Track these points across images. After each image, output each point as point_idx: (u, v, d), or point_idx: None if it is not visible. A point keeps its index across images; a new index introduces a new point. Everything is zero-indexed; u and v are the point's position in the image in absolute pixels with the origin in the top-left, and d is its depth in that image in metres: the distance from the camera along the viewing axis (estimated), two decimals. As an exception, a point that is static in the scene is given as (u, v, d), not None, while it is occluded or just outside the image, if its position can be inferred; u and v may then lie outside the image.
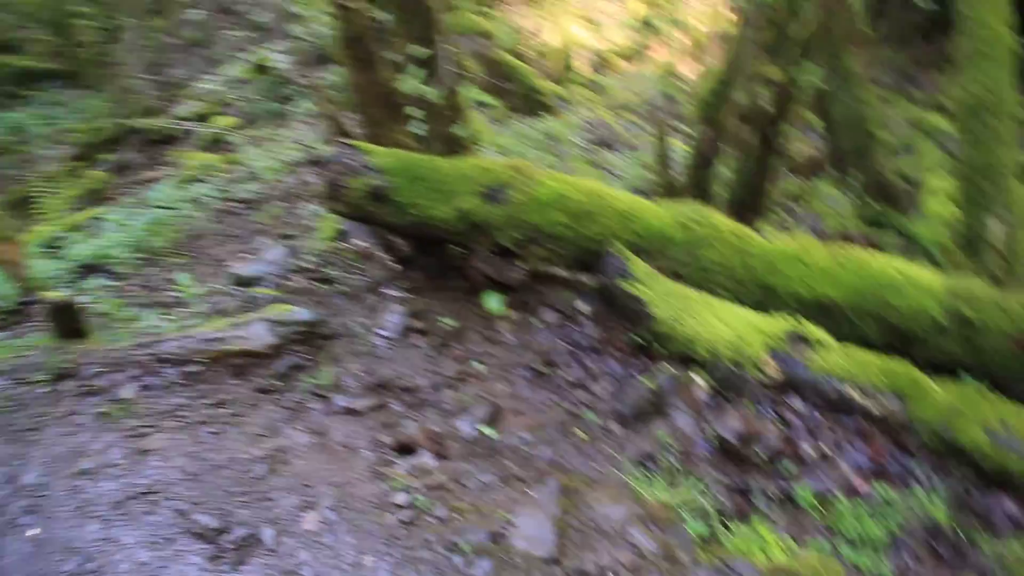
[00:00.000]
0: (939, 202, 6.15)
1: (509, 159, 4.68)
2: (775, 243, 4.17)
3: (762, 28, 5.20)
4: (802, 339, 3.81)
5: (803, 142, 7.01)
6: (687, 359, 3.91)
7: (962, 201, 4.60)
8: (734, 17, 5.72)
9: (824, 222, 6.17)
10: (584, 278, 4.46)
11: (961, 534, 3.28)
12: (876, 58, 7.37)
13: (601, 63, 10.40)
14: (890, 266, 4.10)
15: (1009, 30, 4.55)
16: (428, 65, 4.70)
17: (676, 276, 4.14)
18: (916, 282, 4.03)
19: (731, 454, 3.53)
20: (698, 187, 5.41)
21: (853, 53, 6.35)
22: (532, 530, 3.28)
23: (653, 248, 4.18)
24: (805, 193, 6.62)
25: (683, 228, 4.19)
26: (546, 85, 8.94)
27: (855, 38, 6.40)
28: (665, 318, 3.94)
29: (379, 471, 3.65)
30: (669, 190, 5.44)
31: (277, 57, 8.90)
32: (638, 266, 4.08)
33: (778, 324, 3.88)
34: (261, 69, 8.89)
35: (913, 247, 5.91)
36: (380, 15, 4.76)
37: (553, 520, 3.31)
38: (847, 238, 5.88)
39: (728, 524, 3.32)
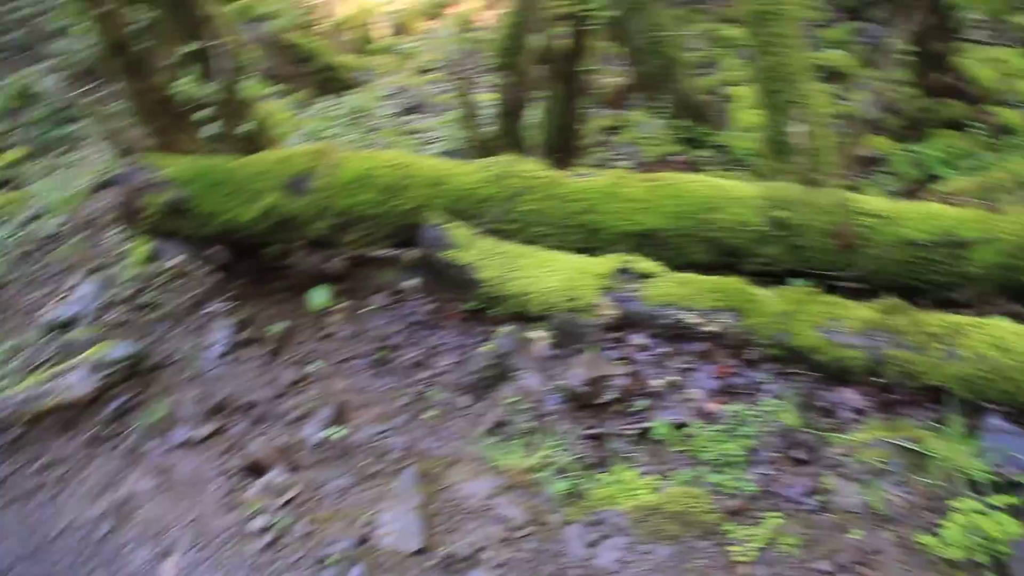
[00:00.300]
0: (747, 112, 6.28)
1: (310, 145, 4.47)
2: (590, 182, 4.13)
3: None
4: (632, 274, 3.80)
5: (609, 73, 7.01)
6: (524, 317, 3.84)
7: (763, 108, 4.67)
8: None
9: (642, 150, 6.19)
10: (407, 254, 4.31)
11: (812, 434, 3.35)
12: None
13: (402, 26, 10.16)
14: (705, 185, 4.14)
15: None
16: (202, 63, 4.41)
17: (498, 234, 4.05)
18: (732, 196, 4.07)
19: (582, 403, 3.48)
20: (511, 137, 5.32)
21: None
22: (397, 525, 3.18)
23: (470, 210, 4.07)
24: (619, 124, 6.63)
25: (496, 184, 4.10)
26: (347, 60, 8.66)
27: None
28: (493, 279, 3.85)
29: (233, 499, 3.48)
30: (483, 146, 5.33)
31: (47, 78, 8.28)
32: (457, 232, 3.97)
33: (607, 263, 3.85)
34: (31, 94, 8.27)
35: (731, 160, 6.01)
36: (141, 16, 4.42)
37: (417, 510, 3.21)
38: (666, 163, 5.93)
39: (591, 474, 3.29)
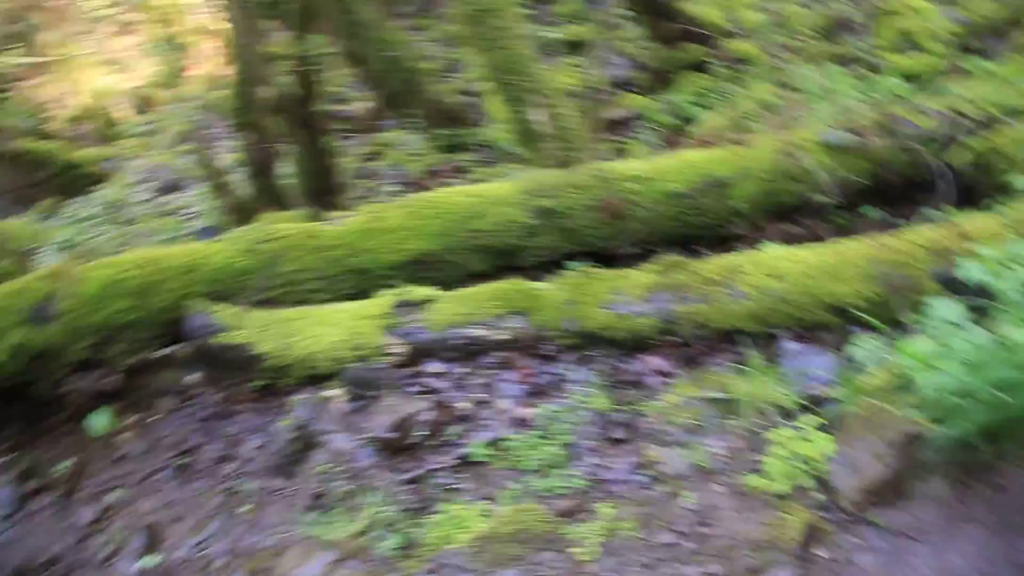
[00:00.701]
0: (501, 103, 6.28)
1: (44, 268, 4.13)
2: (347, 224, 4.00)
3: (252, 14, 4.97)
4: (410, 305, 3.70)
5: (358, 98, 6.89)
6: (316, 379, 3.67)
7: (503, 102, 4.66)
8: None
9: (407, 168, 6.11)
10: (181, 349, 4.04)
11: (625, 411, 3.35)
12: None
13: (145, 102, 9.71)
14: (464, 194, 4.10)
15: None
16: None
17: (268, 303, 3.86)
18: (493, 198, 4.05)
19: (395, 449, 3.36)
20: (268, 195, 5.15)
21: (362, 6, 6.24)
22: (238, 636, 2.96)
23: (232, 287, 3.86)
24: (379, 148, 6.52)
25: (251, 254, 3.90)
26: (91, 153, 8.18)
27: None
28: (274, 351, 3.66)
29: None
30: (243, 210, 5.12)
31: None
32: (223, 314, 3.75)
33: (383, 302, 3.74)
34: None
35: (497, 155, 6.00)
36: None
37: (254, 614, 3.01)
38: (433, 175, 5.87)
39: (420, 520, 3.16)
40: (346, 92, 6.91)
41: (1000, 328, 2.77)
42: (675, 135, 5.86)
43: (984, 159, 4.02)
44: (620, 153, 5.52)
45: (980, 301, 2.93)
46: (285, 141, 5.20)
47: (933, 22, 6.08)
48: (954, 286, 3.19)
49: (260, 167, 5.16)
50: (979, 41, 5.88)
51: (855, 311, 3.36)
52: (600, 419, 3.32)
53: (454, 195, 4.06)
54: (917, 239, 3.49)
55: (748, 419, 3.17)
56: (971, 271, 3.00)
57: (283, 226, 4.00)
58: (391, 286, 3.83)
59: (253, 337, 3.69)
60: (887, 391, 3.04)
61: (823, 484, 2.89)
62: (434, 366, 3.59)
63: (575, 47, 7.25)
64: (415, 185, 5.74)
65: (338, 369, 3.61)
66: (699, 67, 6.48)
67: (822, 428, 3.03)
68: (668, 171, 4.11)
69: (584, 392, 3.42)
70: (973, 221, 3.54)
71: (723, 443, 3.14)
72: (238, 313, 3.77)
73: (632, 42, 6.91)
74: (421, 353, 3.62)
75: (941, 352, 2.86)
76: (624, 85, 6.63)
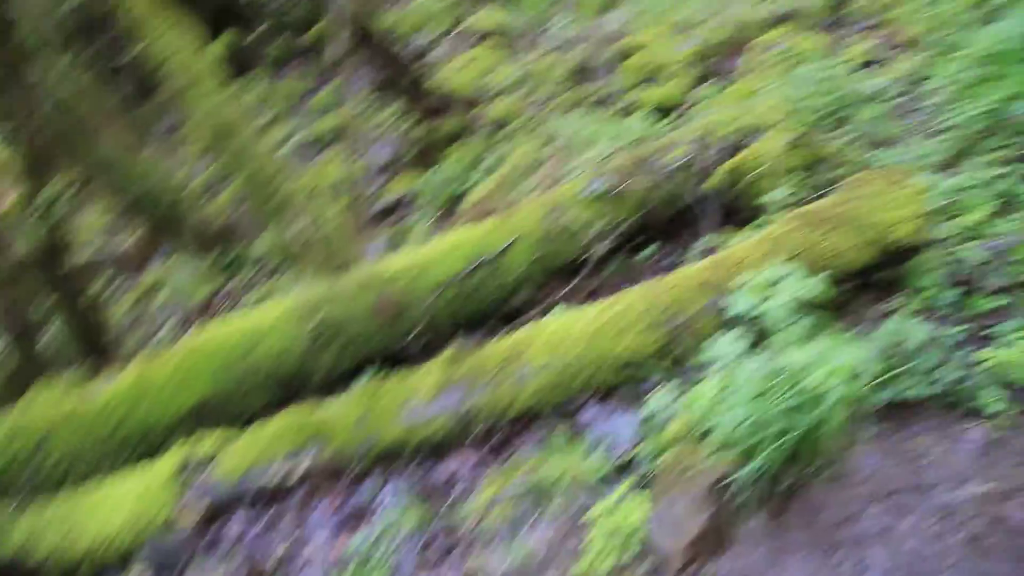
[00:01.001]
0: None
1: None
2: (117, 385, 3.70)
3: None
4: (197, 464, 3.45)
5: (122, 235, 6.51)
6: (113, 566, 3.35)
7: (260, 218, 4.50)
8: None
9: (189, 299, 5.79)
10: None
11: (442, 520, 3.23)
12: (131, 124, 6.99)
13: None
14: (236, 328, 3.90)
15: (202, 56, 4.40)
16: None
17: (43, 492, 3.52)
18: (266, 326, 3.89)
19: (210, 623, 3.11)
20: (34, 363, 4.72)
21: (105, 139, 5.91)
22: None
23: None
24: (155, 283, 6.18)
25: (14, 441, 3.55)
26: None
27: (101, 126, 5.95)
28: (57, 548, 3.32)
29: None
30: (9, 386, 4.69)
31: None
32: (-5, 521, 3.40)
33: (167, 464, 3.46)
34: None
35: (275, 266, 5.79)
36: None
37: None
38: (213, 303, 5.60)
39: None
40: (108, 229, 6.54)
41: (775, 353, 2.84)
42: (449, 210, 5.83)
43: (736, 180, 4.17)
44: (396, 240, 5.44)
45: (754, 328, 3.00)
46: (43, 301, 4.80)
47: (668, 54, 6.35)
48: (729, 318, 3.27)
49: (20, 335, 4.74)
50: (713, 66, 6.20)
51: (644, 364, 3.38)
52: (418, 536, 3.19)
53: (225, 330, 3.84)
54: (688, 276, 3.55)
55: (564, 500, 3.11)
56: (738, 302, 3.07)
57: (44, 404, 3.66)
58: (178, 440, 3.57)
59: (29, 540, 3.33)
60: (689, 439, 3.05)
61: (648, 549, 2.85)
62: (238, 520, 3.36)
63: (336, 138, 7.15)
64: (197, 316, 5.46)
65: (135, 548, 3.32)
66: (463, 136, 6.49)
67: (637, 490, 3.01)
68: (437, 258, 4.04)
69: (396, 510, 3.27)
70: (736, 245, 3.64)
71: (544, 532, 3.06)
72: (8, 515, 3.41)
73: (393, 124, 6.87)
74: (221, 508, 3.38)
75: (728, 389, 2.91)
76: (392, 168, 6.56)
